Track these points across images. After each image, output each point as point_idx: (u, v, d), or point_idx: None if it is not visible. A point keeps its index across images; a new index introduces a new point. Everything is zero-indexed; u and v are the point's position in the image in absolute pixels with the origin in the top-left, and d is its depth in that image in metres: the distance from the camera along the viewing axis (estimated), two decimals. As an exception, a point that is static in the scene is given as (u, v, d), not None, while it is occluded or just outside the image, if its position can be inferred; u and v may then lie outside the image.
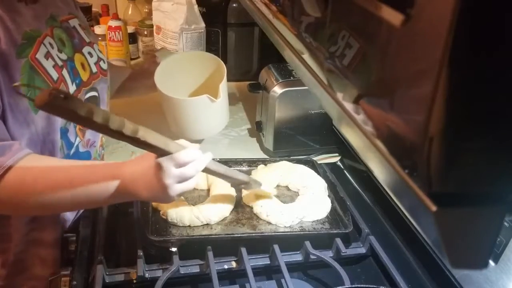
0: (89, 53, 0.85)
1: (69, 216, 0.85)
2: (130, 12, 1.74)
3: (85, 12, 1.73)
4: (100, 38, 1.57)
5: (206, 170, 0.70)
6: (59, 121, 0.74)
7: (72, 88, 0.78)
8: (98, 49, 0.90)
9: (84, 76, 0.82)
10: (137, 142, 0.58)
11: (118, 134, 0.55)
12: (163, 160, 0.62)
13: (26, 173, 0.64)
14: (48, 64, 0.72)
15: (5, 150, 0.64)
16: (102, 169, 0.66)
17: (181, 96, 1.08)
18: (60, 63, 0.75)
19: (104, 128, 0.53)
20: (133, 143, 0.58)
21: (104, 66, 0.90)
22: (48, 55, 0.73)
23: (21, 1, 0.70)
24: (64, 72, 0.76)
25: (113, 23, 1.54)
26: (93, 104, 0.53)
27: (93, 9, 1.77)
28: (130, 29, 1.63)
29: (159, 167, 0.62)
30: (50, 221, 0.79)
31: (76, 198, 0.65)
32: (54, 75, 0.73)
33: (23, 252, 0.77)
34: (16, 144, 0.65)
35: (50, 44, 0.74)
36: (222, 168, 0.75)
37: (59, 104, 0.47)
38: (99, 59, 0.88)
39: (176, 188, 0.64)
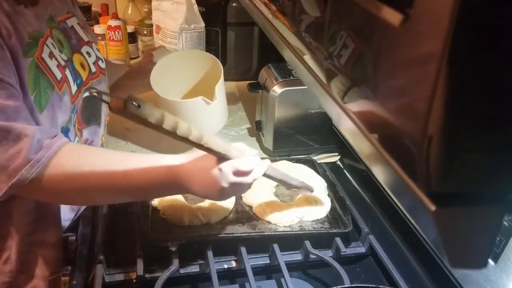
0: (88, 52, 0.85)
1: (69, 215, 0.85)
2: (129, 12, 1.74)
3: (85, 12, 1.73)
4: (99, 38, 1.57)
5: (263, 175, 0.71)
6: (60, 120, 0.74)
7: (74, 88, 0.78)
8: (97, 48, 0.90)
9: (84, 75, 0.82)
10: (201, 148, 0.60)
11: (185, 140, 0.58)
12: (225, 166, 0.63)
13: (79, 155, 0.66)
14: (52, 64, 0.72)
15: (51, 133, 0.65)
16: (159, 162, 0.66)
17: (177, 96, 1.08)
18: (62, 63, 0.76)
19: (172, 134, 0.56)
20: (198, 147, 0.61)
21: (102, 65, 0.90)
22: (51, 55, 0.73)
23: (20, 4, 0.70)
24: (67, 72, 0.76)
25: (113, 22, 1.54)
26: (164, 111, 0.54)
27: (93, 8, 1.77)
28: (130, 29, 1.63)
29: (219, 171, 0.63)
30: (52, 222, 0.79)
31: (128, 190, 0.66)
32: (58, 75, 0.73)
33: (26, 252, 0.77)
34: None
35: (53, 44, 0.75)
36: (278, 174, 0.76)
37: (132, 111, 0.50)
38: (98, 58, 0.88)
39: (230, 192, 0.66)
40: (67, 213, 0.84)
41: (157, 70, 1.01)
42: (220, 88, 0.99)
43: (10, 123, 0.61)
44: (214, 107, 0.98)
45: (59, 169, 0.64)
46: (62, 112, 0.74)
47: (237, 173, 0.64)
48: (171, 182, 0.65)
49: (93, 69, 0.85)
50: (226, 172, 0.63)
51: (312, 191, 0.84)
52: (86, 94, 0.83)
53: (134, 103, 0.50)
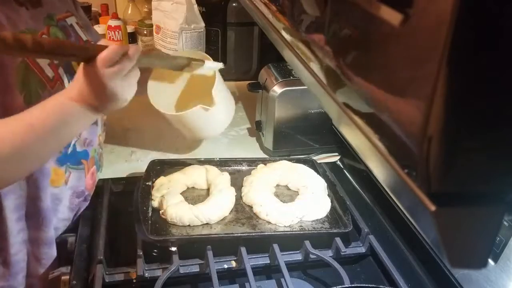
0: None
1: (68, 215, 0.85)
2: (129, 12, 1.74)
3: (85, 12, 1.73)
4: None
5: (142, 63, 0.70)
6: None
7: None
8: None
9: None
10: (53, 54, 0.63)
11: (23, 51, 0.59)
12: (95, 64, 0.63)
13: None
14: (43, 63, 0.72)
15: None
16: (52, 100, 0.66)
17: (176, 102, 1.06)
18: (56, 61, 0.75)
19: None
20: (52, 57, 0.65)
21: None
22: None
23: (22, 6, 0.71)
24: (61, 70, 0.76)
25: (113, 22, 1.54)
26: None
27: (93, 8, 1.77)
28: (130, 29, 1.63)
29: (94, 72, 0.63)
30: (43, 219, 0.79)
31: (44, 138, 0.65)
32: (50, 73, 0.73)
33: (20, 251, 0.77)
34: None
35: None
36: (158, 54, 0.76)
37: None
38: None
39: (121, 86, 0.66)
40: (66, 213, 0.84)
41: (152, 80, 0.98)
42: (218, 89, 0.97)
43: None
44: (216, 110, 0.96)
45: None
46: None
47: (109, 62, 0.63)
48: (68, 108, 0.65)
49: None
50: (99, 68, 0.62)
51: (202, 64, 0.86)
52: None
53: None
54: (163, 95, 1.00)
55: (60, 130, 0.66)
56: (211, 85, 0.96)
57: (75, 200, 0.85)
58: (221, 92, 0.99)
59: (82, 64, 0.65)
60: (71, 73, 0.79)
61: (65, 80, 0.77)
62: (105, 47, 0.64)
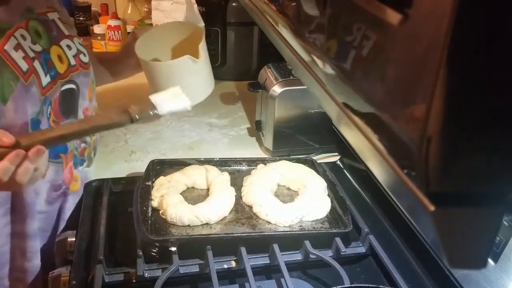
0: (68, 45, 0.85)
1: (46, 208, 0.86)
2: (129, 12, 1.74)
3: (85, 12, 1.73)
4: (99, 38, 1.57)
5: (59, 139, 0.66)
6: (29, 112, 0.74)
7: (45, 80, 0.78)
8: (79, 43, 0.89)
9: (61, 68, 0.82)
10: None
11: None
12: None
13: None
14: (17, 56, 0.72)
15: None
16: None
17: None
18: (31, 54, 0.75)
19: None
20: None
21: (84, 59, 0.89)
22: (18, 47, 0.73)
23: None
24: (36, 63, 0.76)
25: (113, 22, 1.54)
26: None
27: (93, 8, 1.77)
28: (130, 29, 1.64)
29: None
30: (28, 214, 0.80)
31: None
32: (24, 66, 0.73)
33: (5, 244, 0.78)
34: None
35: (23, 36, 0.75)
36: (75, 127, 0.67)
37: None
38: (79, 51, 0.88)
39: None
40: (43, 206, 0.85)
41: (140, 44, 0.98)
42: (204, 48, 0.96)
43: None
44: (201, 67, 0.96)
45: None
46: (31, 103, 0.74)
47: (5, 173, 0.60)
48: None
49: (73, 62, 0.85)
50: None
51: (155, 110, 0.68)
52: (66, 86, 0.83)
53: None
54: (151, 58, 0.99)
55: None
56: (197, 46, 0.96)
57: (52, 193, 0.86)
58: (205, 53, 0.97)
59: None
60: (48, 66, 0.78)
61: (41, 74, 0.77)
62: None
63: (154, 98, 0.68)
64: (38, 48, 0.77)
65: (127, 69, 1.06)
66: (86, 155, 0.95)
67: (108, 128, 0.68)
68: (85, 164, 0.94)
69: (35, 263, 0.84)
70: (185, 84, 0.92)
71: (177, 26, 1.09)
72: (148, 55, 0.99)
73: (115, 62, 1.07)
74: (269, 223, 0.82)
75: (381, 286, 0.67)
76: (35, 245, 0.82)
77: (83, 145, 0.93)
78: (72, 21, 0.94)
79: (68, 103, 0.85)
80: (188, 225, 0.80)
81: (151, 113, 0.66)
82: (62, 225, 0.92)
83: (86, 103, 0.91)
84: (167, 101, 0.68)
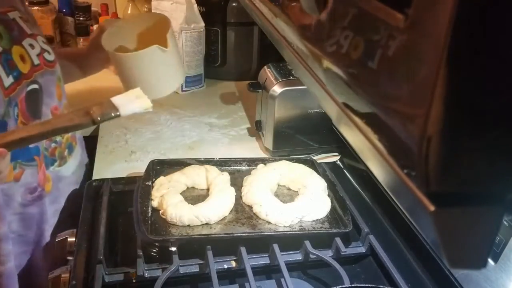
0: (31, 45, 0.84)
1: (21, 210, 0.85)
2: (129, 11, 1.74)
3: (85, 12, 1.73)
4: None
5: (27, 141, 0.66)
6: None
7: (8, 81, 0.76)
8: (43, 41, 0.88)
9: (24, 68, 0.81)
10: None
11: None
12: None
13: None
14: None
15: None
16: None
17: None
18: None
19: None
20: None
21: (49, 57, 0.88)
22: None
23: None
24: None
25: (113, 22, 1.54)
26: None
27: (93, 8, 1.77)
28: (130, 29, 1.63)
29: None
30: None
31: None
32: None
33: None
34: None
35: None
36: (36, 129, 0.66)
37: None
38: (43, 50, 0.87)
39: None
40: (17, 208, 0.84)
41: (108, 36, 0.96)
42: (172, 37, 0.94)
43: None
44: (170, 56, 0.93)
45: None
46: None
47: None
48: None
49: (36, 61, 0.84)
50: None
51: (117, 110, 0.68)
52: (32, 87, 0.82)
53: None
54: (119, 50, 0.97)
55: None
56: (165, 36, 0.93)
57: (27, 196, 0.85)
58: (174, 42, 0.96)
59: None
60: (10, 67, 0.77)
61: (2, 75, 0.76)
62: None
63: (115, 100, 0.69)
64: None
65: (97, 64, 1.04)
66: (57, 155, 0.93)
67: (69, 130, 0.69)
68: (56, 164, 0.92)
69: (8, 266, 0.83)
70: (155, 75, 0.92)
71: (144, 17, 1.06)
72: (116, 47, 0.96)
73: (84, 57, 1.05)
74: (269, 223, 0.82)
75: (381, 286, 0.67)
76: (7, 248, 0.81)
77: (53, 144, 0.91)
78: (36, 21, 0.92)
79: (36, 103, 0.84)
80: (188, 225, 0.80)
81: (112, 114, 0.66)
82: (47, 229, 0.91)
83: (55, 102, 0.90)
84: (128, 102, 0.69)
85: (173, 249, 0.76)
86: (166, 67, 0.95)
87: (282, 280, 0.75)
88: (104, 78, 1.15)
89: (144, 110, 0.71)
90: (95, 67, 1.06)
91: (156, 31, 0.98)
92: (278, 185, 0.95)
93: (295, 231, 0.81)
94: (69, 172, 0.97)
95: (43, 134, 0.66)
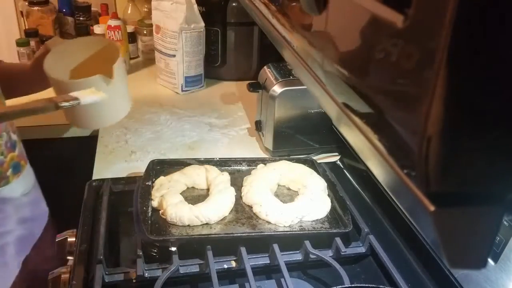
0: None
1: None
2: (129, 12, 1.74)
3: (85, 12, 1.73)
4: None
5: None
6: None
7: None
8: None
9: None
10: None
11: None
12: None
13: None
14: None
15: None
16: None
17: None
18: None
19: None
20: None
21: None
22: None
23: None
24: None
25: (113, 22, 1.54)
26: None
27: (93, 8, 1.77)
28: (130, 29, 1.63)
29: None
30: None
31: None
32: None
33: None
34: None
35: None
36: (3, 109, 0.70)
37: None
38: None
39: None
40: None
41: (51, 57, 0.90)
42: (119, 68, 0.88)
43: None
44: (114, 88, 0.86)
45: None
46: None
47: None
48: None
49: None
50: None
51: (94, 95, 0.78)
52: None
53: None
54: (61, 73, 0.91)
55: None
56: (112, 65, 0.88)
57: None
58: (121, 70, 0.90)
59: None
60: None
61: None
62: None
63: (74, 93, 0.77)
64: None
65: (40, 83, 0.98)
66: (2, 150, 0.88)
67: (33, 113, 0.75)
68: None
69: None
70: (94, 106, 0.85)
71: (93, 41, 0.99)
72: (58, 71, 0.91)
73: (27, 75, 0.99)
74: (269, 223, 0.82)
75: (381, 286, 0.67)
76: None
77: (14, 139, 0.88)
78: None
79: None
80: (188, 225, 0.80)
81: (73, 101, 0.76)
82: (8, 251, 0.89)
83: None
84: (85, 95, 0.78)
85: (173, 249, 0.76)
86: (108, 100, 0.87)
87: (282, 280, 0.75)
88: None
89: (101, 98, 0.82)
90: (39, 86, 1.00)
91: (106, 59, 0.91)
92: (278, 185, 0.95)
93: (295, 231, 0.81)
94: (15, 193, 0.92)
95: (9, 114, 0.74)
